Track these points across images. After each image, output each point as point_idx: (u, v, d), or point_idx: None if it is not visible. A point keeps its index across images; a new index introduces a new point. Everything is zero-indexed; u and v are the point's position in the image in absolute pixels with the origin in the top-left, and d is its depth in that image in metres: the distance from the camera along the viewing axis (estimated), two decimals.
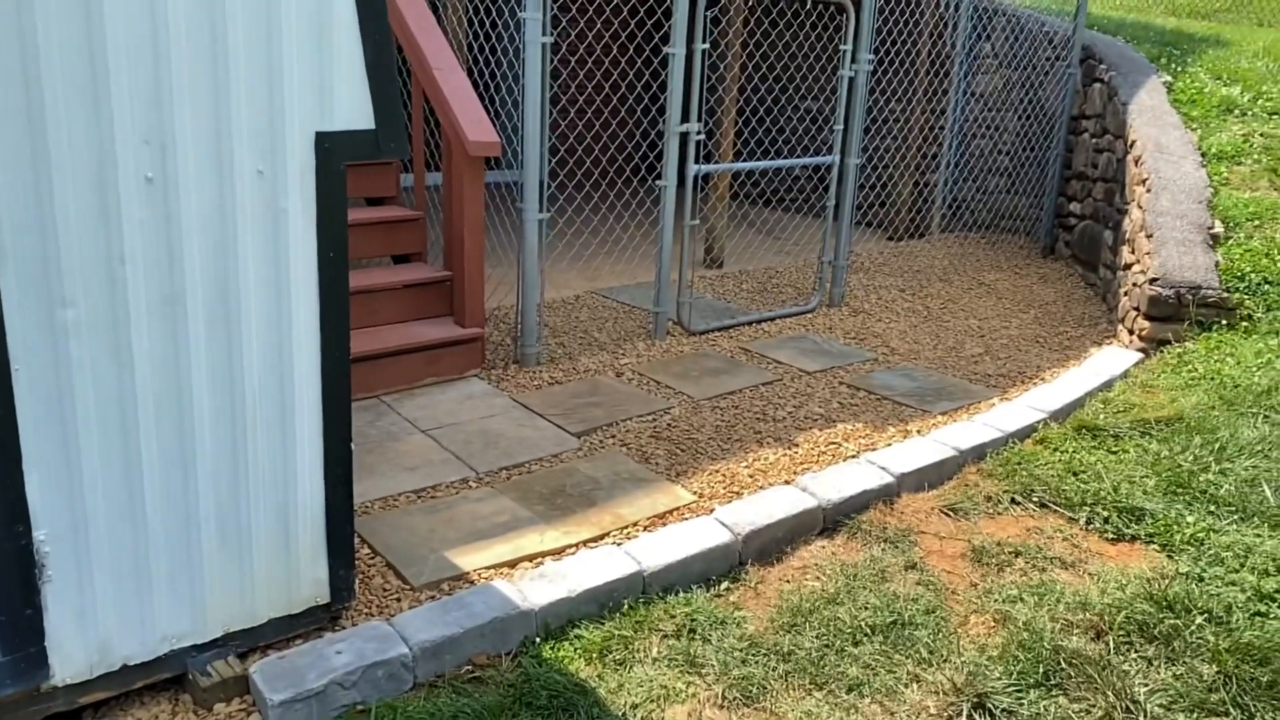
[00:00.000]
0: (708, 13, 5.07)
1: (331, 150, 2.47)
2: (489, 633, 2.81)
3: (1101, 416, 4.38)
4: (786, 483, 3.75)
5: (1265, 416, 4.16)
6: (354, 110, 2.48)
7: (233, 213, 2.36)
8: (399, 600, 3.00)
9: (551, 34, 4.54)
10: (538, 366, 4.96)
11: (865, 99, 5.94)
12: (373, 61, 2.48)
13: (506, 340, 5.27)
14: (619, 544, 3.30)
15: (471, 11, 5.79)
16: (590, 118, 9.36)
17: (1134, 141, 6.26)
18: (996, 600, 3.09)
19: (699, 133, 5.23)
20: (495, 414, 4.42)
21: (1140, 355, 5.21)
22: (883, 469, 3.78)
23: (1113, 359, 5.18)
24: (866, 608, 3.02)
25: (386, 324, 4.85)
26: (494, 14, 5.34)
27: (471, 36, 5.68)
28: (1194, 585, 3.07)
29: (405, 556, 3.21)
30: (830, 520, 3.54)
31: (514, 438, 4.17)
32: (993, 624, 2.99)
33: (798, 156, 7.05)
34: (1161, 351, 5.11)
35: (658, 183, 5.25)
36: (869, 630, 2.91)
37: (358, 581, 3.07)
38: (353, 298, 4.74)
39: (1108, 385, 4.83)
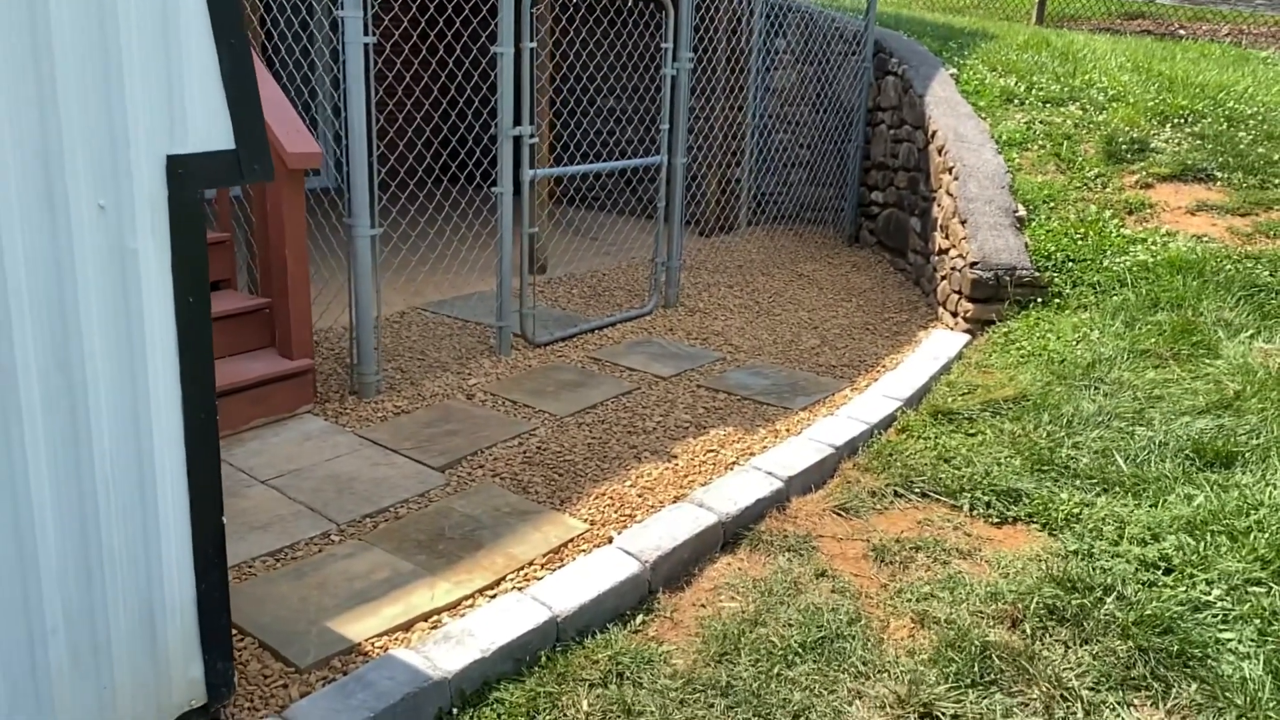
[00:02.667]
0: (534, 10, 4.83)
1: (186, 177, 2.07)
2: (402, 712, 2.49)
3: (951, 400, 4.52)
4: (677, 499, 3.61)
5: (1096, 388, 4.42)
6: (211, 129, 2.09)
7: (69, 258, 1.92)
8: (285, 687, 2.61)
9: (374, 34, 4.16)
10: (378, 396, 4.57)
11: (688, 97, 5.89)
12: (230, 71, 2.10)
13: (337, 369, 4.83)
14: (521, 589, 3.04)
15: (264, 9, 5.26)
16: (402, 123, 8.85)
17: (935, 131, 6.57)
18: (910, 600, 3.07)
19: (533, 135, 4.99)
20: (342, 454, 4.01)
21: (968, 336, 5.46)
22: (769, 474, 3.71)
23: (944, 342, 5.39)
24: (791, 625, 2.92)
25: None
26: (301, 12, 4.86)
27: (274, 37, 5.15)
28: (1086, 563, 3.18)
29: (281, 634, 2.81)
30: (730, 534, 3.42)
31: (370, 479, 3.79)
32: (914, 625, 2.97)
33: (610, 158, 6.90)
34: (987, 331, 5.38)
35: (493, 189, 4.97)
36: (800, 649, 2.81)
37: (235, 669, 2.65)
38: None
39: (947, 368, 5.02)
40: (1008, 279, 5.41)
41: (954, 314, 5.71)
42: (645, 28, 8.39)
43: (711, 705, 2.62)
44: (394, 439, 4.14)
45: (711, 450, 4.07)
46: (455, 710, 2.58)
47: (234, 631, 2.82)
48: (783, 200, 8.75)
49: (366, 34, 4.12)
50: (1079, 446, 3.96)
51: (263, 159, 2.21)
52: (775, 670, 2.73)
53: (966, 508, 3.63)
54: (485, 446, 4.08)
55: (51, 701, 2.10)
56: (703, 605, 3.08)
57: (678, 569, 3.22)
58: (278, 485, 3.73)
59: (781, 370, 5.14)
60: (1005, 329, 5.30)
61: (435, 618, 2.94)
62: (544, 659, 2.77)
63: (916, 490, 3.76)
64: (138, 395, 2.09)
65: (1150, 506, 3.49)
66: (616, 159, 8.55)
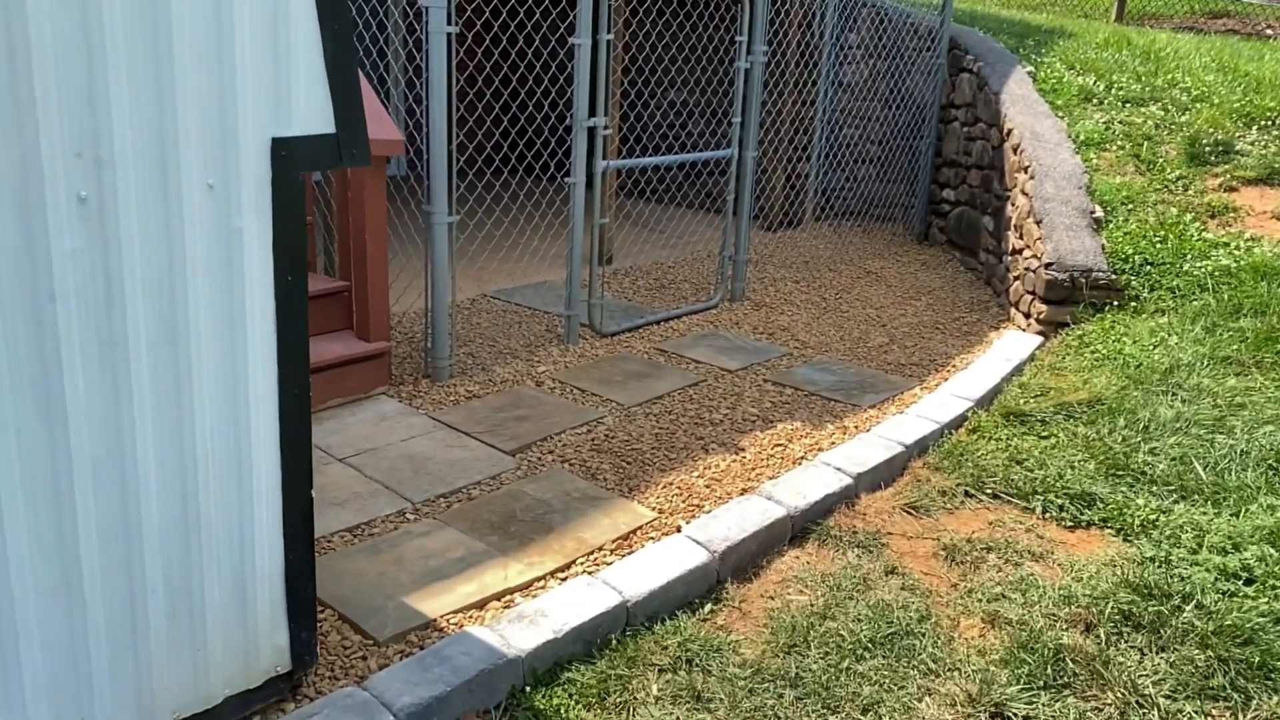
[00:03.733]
0: (611, 2, 4.86)
1: (289, 159, 2.14)
2: (477, 687, 2.55)
3: (1024, 402, 4.47)
4: (745, 491, 3.62)
5: (1174, 394, 4.34)
6: (313, 113, 2.16)
7: (180, 235, 2.00)
8: (365, 659, 2.69)
9: (456, 24, 4.23)
10: (450, 380, 4.65)
11: (760, 91, 5.88)
12: (334, 58, 2.16)
13: (412, 353, 4.92)
14: (592, 573, 3.08)
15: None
16: (481, 113, 8.97)
17: (1010, 130, 6.47)
18: (981, 600, 3.05)
19: (606, 127, 5.02)
20: (416, 435, 4.09)
21: (1041, 338, 5.38)
22: (839, 470, 3.70)
23: (1016, 343, 5.32)
24: (860, 620, 2.92)
25: None
26: (385, 1, 4.95)
27: (359, 26, 5.25)
28: (1163, 569, 3.13)
29: (360, 607, 2.88)
30: (798, 528, 3.43)
31: (444, 460, 3.86)
32: (984, 625, 2.95)
33: (675, 151, 6.90)
34: (1061, 334, 5.29)
35: (566, 180, 5.01)
36: (869, 644, 2.81)
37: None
38: None
39: (1019, 370, 4.95)
40: (1083, 281, 5.32)
41: (1027, 315, 5.63)
42: (717, 21, 8.38)
43: (780, 695, 2.63)
44: (466, 422, 4.21)
45: (779, 444, 4.08)
46: (528, 688, 2.63)
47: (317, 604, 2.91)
48: (849, 196, 8.68)
49: (449, 24, 4.19)
50: (1156, 452, 3.88)
51: (361, 143, 2.27)
52: (844, 664, 2.74)
53: (1039, 510, 3.59)
54: (555, 433, 4.13)
55: (149, 657, 2.19)
56: (771, 597, 3.09)
57: (745, 560, 3.24)
58: (355, 463, 3.82)
59: (849, 367, 5.11)
60: (1079, 332, 5.21)
61: (509, 597, 2.99)
62: (614, 643, 2.81)
63: (987, 491, 3.72)
64: (237, 370, 2.17)
65: (1231, 516, 3.42)
66: (682, 152, 8.55)
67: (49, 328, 1.85)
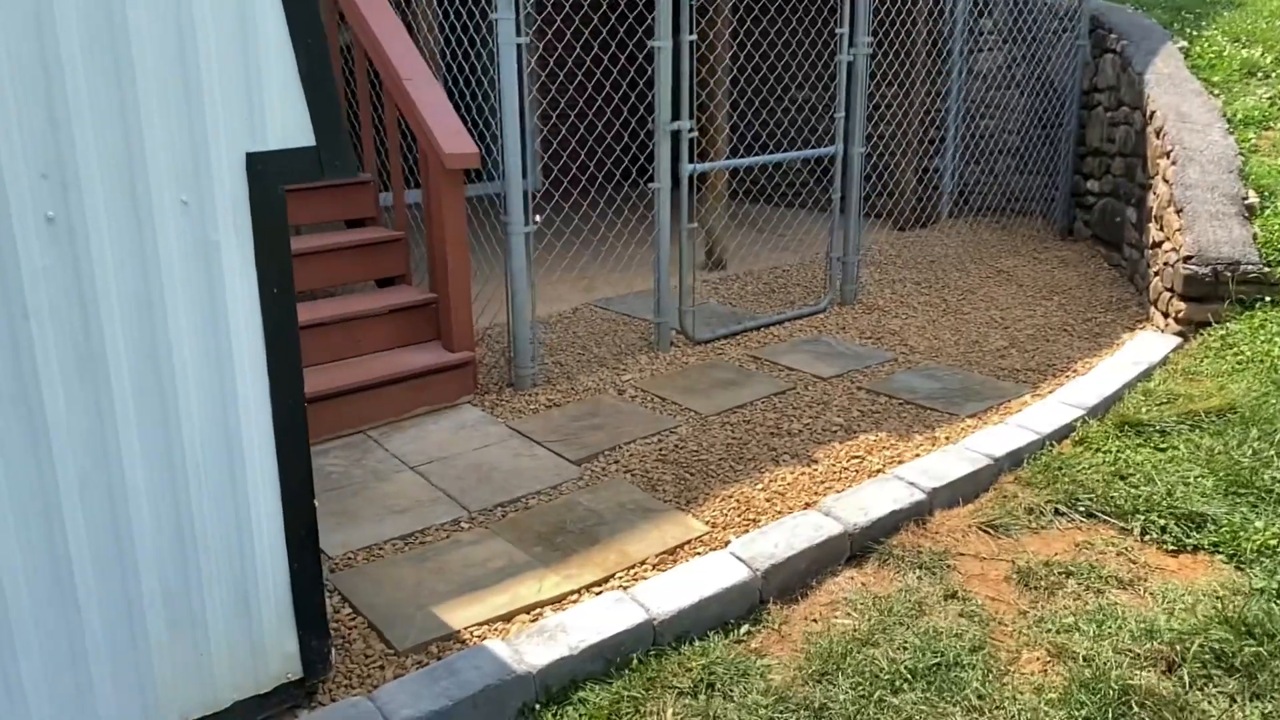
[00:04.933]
0: (692, 2, 4.75)
1: (266, 173, 2.16)
2: (482, 703, 2.50)
3: (1144, 410, 4.04)
4: (807, 506, 3.43)
5: None
6: (290, 127, 2.17)
7: (154, 251, 2.05)
8: (382, 668, 2.69)
9: (527, 34, 4.23)
10: (534, 389, 4.65)
11: (866, 84, 5.61)
12: (308, 71, 2.17)
13: (500, 362, 4.96)
14: (626, 588, 2.98)
15: (443, 16, 5.49)
16: (574, 120, 9.05)
17: (1153, 112, 5.91)
18: (1050, 631, 2.75)
19: (691, 130, 4.91)
20: (490, 444, 4.11)
21: (1178, 340, 4.87)
22: (912, 484, 3.45)
23: (1149, 345, 4.83)
24: (905, 648, 2.69)
25: (371, 353, 4.55)
26: (465, 16, 5.03)
27: (444, 43, 5.37)
28: (1274, 604, 2.73)
29: (389, 616, 2.90)
30: (858, 546, 3.21)
31: (509, 470, 3.86)
32: (1048, 659, 2.66)
33: (795, 149, 6.68)
34: (1202, 334, 4.77)
35: (650, 185, 4.93)
36: (909, 675, 2.58)
37: (337, 649, 2.76)
38: (333, 327, 4.45)
39: (1147, 374, 4.49)
40: (1228, 275, 4.77)
41: (1165, 314, 5.11)
42: (832, 12, 8.10)
43: None
44: (541, 431, 4.20)
45: (856, 456, 3.84)
46: (539, 706, 2.56)
47: (349, 610, 2.95)
48: (988, 191, 8.19)
49: (519, 35, 4.20)
50: None
51: (343, 155, 2.27)
52: (877, 695, 2.52)
53: (1138, 531, 3.22)
54: (625, 442, 4.06)
55: (152, 662, 2.25)
56: (814, 620, 2.90)
57: (793, 580, 3.05)
58: (424, 471, 3.87)
59: (957, 373, 4.78)
60: (1223, 331, 4.68)
61: (537, 610, 2.94)
62: (635, 662, 2.70)
63: (1081, 509, 3.37)
64: (224, 382, 2.20)
65: None
66: (795, 150, 8.29)
67: (24, 345, 1.93)
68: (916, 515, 3.35)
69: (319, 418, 4.15)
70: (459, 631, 2.82)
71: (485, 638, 2.80)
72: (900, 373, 4.81)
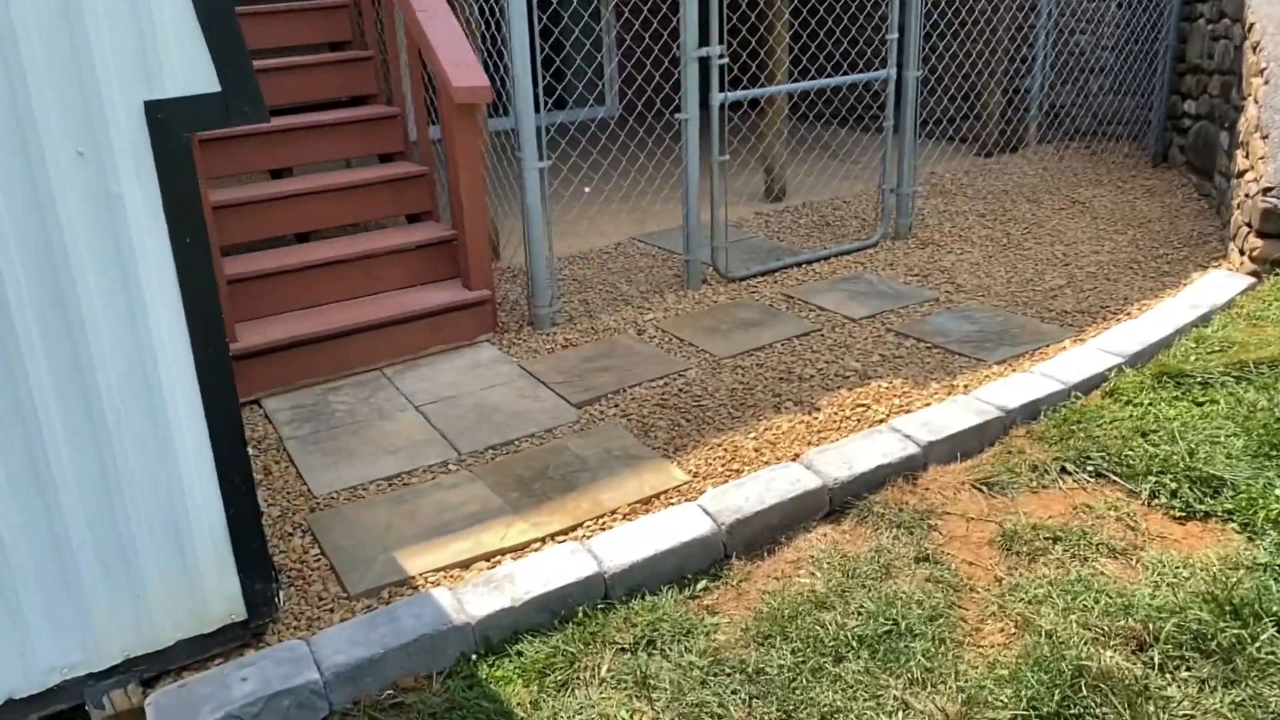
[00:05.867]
0: None
1: (168, 121, 2.13)
2: (415, 651, 2.51)
3: (1191, 359, 3.71)
4: (795, 457, 3.29)
5: None
6: (190, 73, 2.13)
7: (53, 205, 2.05)
8: (332, 611, 2.73)
9: None
10: (553, 328, 4.60)
11: (922, 2, 5.22)
12: (207, 13, 2.11)
13: (522, 301, 4.92)
14: (588, 537, 2.93)
15: None
16: (649, 43, 8.77)
17: (1251, 25, 5.33)
18: (1021, 601, 2.58)
19: (721, 56, 4.68)
20: (498, 384, 4.09)
21: (1251, 280, 4.44)
22: (907, 437, 3.26)
23: (1216, 286, 4.43)
24: (860, 613, 2.57)
25: (390, 290, 4.56)
26: None
27: None
28: (1273, 581, 2.48)
29: (351, 559, 2.93)
30: (838, 502, 3.07)
31: (510, 411, 3.83)
32: (1013, 631, 2.49)
33: (852, 72, 6.22)
34: (1277, 275, 4.33)
35: (675, 115, 4.74)
36: (856, 642, 2.46)
37: (297, 590, 2.82)
38: (352, 264, 4.48)
39: (1205, 319, 4.12)
40: None
41: (1241, 251, 4.66)
42: None
43: (734, 692, 2.37)
44: (550, 372, 4.15)
45: (861, 405, 3.66)
46: (475, 657, 2.55)
47: (317, 552, 3.00)
48: (1079, 113, 7.61)
49: None
50: None
51: (253, 101, 2.22)
52: (818, 662, 2.42)
53: (1146, 494, 2.97)
54: (630, 385, 3.97)
55: (88, 601, 2.33)
56: (776, 578, 2.79)
57: (762, 535, 2.94)
58: (427, 411, 3.89)
59: (998, 315, 4.49)
60: None
61: (497, 558, 2.92)
62: (581, 615, 2.66)
63: (1090, 468, 3.13)
64: (139, 331, 2.22)
65: None
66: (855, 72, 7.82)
67: None
68: (908, 470, 3.17)
69: (335, 355, 4.21)
70: (414, 578, 2.83)
71: (439, 584, 2.81)
72: (938, 314, 4.55)
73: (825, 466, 3.11)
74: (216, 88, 2.16)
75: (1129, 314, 4.38)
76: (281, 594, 2.72)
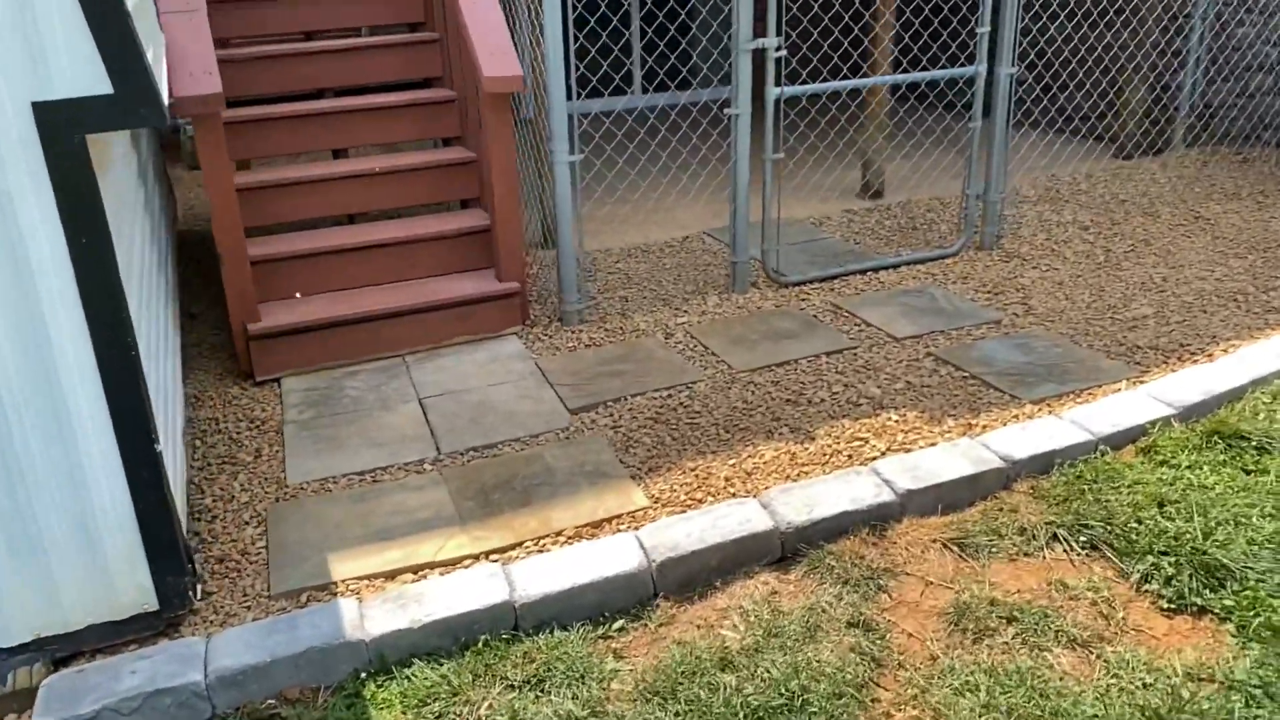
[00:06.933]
0: None
1: (59, 123, 2.14)
2: (305, 663, 2.48)
3: (1260, 417, 3.24)
4: (765, 490, 3.07)
5: None
6: (80, 75, 2.13)
7: None
8: (249, 609, 2.74)
9: None
10: (581, 325, 4.49)
11: None
12: (97, 14, 2.10)
13: (554, 295, 4.82)
14: (522, 559, 2.83)
15: None
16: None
17: None
18: (947, 688, 2.30)
19: (779, 49, 4.40)
20: (507, 381, 4.03)
21: None
22: (886, 482, 2.98)
23: None
24: (764, 679, 2.36)
25: (427, 276, 4.56)
26: None
27: None
28: (1242, 703, 2.11)
29: (287, 556, 2.94)
30: (791, 548, 2.84)
31: (506, 412, 3.76)
32: None
33: (952, 66, 5.70)
34: None
35: (726, 110, 4.51)
36: (744, 713, 2.26)
37: (231, 582, 2.85)
38: (390, 248, 4.50)
39: None
40: None
41: None
42: None
43: None
44: (561, 372, 4.06)
45: (860, 439, 3.38)
46: (365, 675, 2.51)
47: (263, 544, 3.02)
48: (1237, 115, 6.81)
49: None
50: None
51: (151, 102, 2.21)
52: None
53: (1138, 577, 2.60)
54: (635, 393, 3.83)
55: None
56: (698, 625, 2.61)
57: (699, 576, 2.75)
58: (428, 405, 3.87)
59: (1058, 345, 4.06)
60: None
61: (425, 571, 2.86)
62: (481, 644, 2.56)
63: (1084, 539, 2.77)
64: (35, 327, 2.26)
65: None
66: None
67: None
68: (878, 519, 2.90)
69: (359, 339, 4.26)
70: (335, 583, 2.81)
71: (359, 593, 2.78)
72: (992, 339, 4.16)
73: (783, 508, 2.88)
74: (109, 90, 2.16)
75: (1209, 355, 3.87)
76: (199, 587, 2.75)
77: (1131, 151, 6.91)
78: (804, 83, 4.83)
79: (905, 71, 6.01)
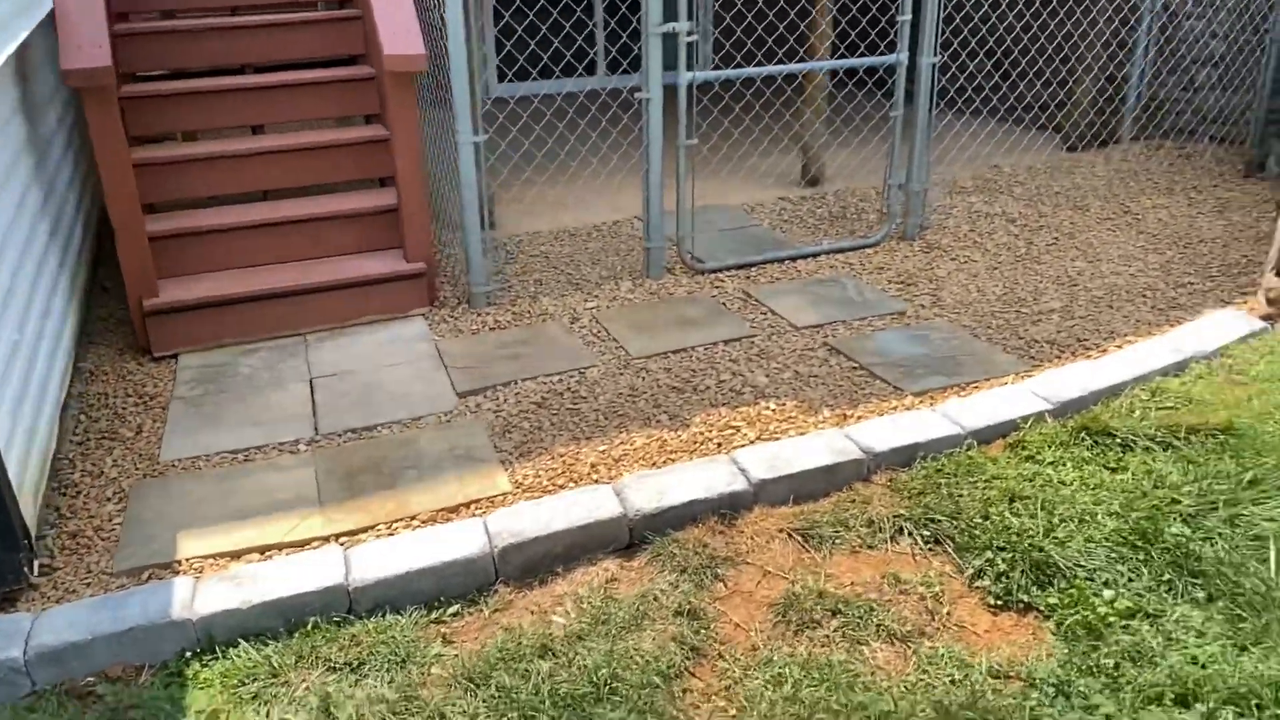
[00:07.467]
0: None
1: None
2: (129, 642, 2.47)
3: (1135, 414, 3.23)
4: (615, 478, 3.05)
5: None
6: None
7: None
8: (89, 586, 2.73)
9: None
10: (488, 308, 4.46)
11: None
12: None
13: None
14: (360, 543, 2.82)
15: None
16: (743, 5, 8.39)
17: None
18: (759, 679, 2.30)
19: (690, 33, 4.36)
20: (402, 363, 4.01)
21: (1262, 325, 3.82)
22: (742, 470, 2.97)
23: (1216, 328, 3.83)
24: (580, 667, 2.35)
25: (335, 255, 4.53)
26: None
27: None
28: (1039, 700, 2.11)
29: (138, 534, 2.93)
30: (639, 535, 2.83)
31: (393, 394, 3.75)
32: (732, 714, 2.22)
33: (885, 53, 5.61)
34: None
35: (636, 94, 4.47)
36: (550, 701, 2.25)
37: (79, 558, 2.84)
38: (297, 225, 4.47)
39: (1181, 367, 3.57)
40: None
41: (1268, 290, 4.01)
42: None
43: None
44: (460, 355, 4.04)
45: (733, 427, 3.37)
46: (191, 655, 2.50)
47: (119, 521, 3.01)
48: (1183, 109, 6.77)
49: None
50: (1236, 524, 2.60)
51: None
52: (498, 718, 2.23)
53: (971, 573, 2.59)
54: (526, 377, 3.81)
55: None
56: (533, 612, 2.60)
57: (542, 562, 2.74)
58: (317, 384, 3.85)
59: (956, 338, 4.04)
60: None
61: (271, 552, 2.85)
62: (310, 626, 2.56)
63: (928, 533, 2.76)
64: None
65: (1265, 650, 2.19)
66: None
67: None
68: (729, 508, 2.89)
69: (259, 317, 4.23)
70: (179, 561, 2.80)
71: (202, 571, 2.77)
72: (892, 330, 4.14)
73: (635, 495, 2.87)
74: None
75: (1103, 350, 3.85)
76: (36, 563, 2.74)
77: (1077, 144, 6.87)
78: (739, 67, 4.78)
79: (843, 58, 5.96)
